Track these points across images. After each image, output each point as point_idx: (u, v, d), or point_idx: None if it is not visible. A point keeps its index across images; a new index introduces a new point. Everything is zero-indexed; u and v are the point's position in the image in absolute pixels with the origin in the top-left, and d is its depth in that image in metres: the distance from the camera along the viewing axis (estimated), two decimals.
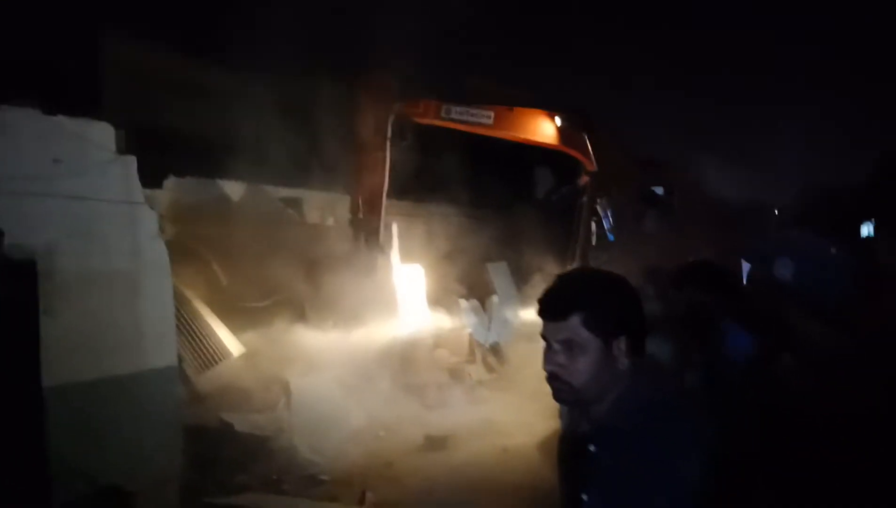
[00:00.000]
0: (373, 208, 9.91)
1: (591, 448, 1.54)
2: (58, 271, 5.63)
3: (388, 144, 9.94)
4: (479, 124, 9.82)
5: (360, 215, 10.05)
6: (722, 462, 1.47)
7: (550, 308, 1.55)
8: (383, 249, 9.93)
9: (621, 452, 1.48)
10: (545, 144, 10.02)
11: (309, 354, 8.56)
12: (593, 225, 10.65)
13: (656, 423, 1.46)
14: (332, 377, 8.46)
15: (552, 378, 1.53)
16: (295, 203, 11.78)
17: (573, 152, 10.16)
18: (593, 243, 10.67)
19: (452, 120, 9.89)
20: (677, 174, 10.66)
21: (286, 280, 9.23)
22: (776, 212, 10.50)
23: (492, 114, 9.72)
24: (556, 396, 1.55)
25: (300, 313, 9.28)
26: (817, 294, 1.95)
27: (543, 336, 1.56)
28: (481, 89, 10.96)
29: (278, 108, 10.84)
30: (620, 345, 1.51)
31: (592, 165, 10.14)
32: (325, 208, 12.00)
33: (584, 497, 1.55)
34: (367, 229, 9.94)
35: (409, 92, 10.19)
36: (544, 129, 9.81)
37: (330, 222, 11.62)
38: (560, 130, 9.76)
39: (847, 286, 1.93)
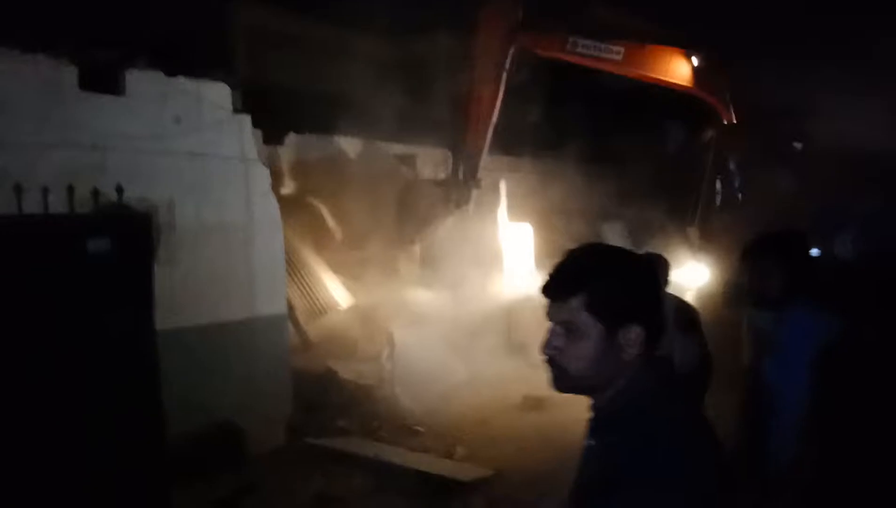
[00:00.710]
0: (478, 138, 9.49)
1: (586, 442, 1.45)
2: (178, 224, 6.12)
3: (505, 75, 9.37)
4: (607, 60, 9.06)
5: (465, 145, 9.66)
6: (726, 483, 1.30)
7: (552, 287, 1.40)
8: (479, 183, 9.53)
9: (603, 451, 1.38)
10: (678, 85, 9.08)
11: (414, 307, 8.79)
12: (718, 183, 9.88)
13: (645, 425, 1.30)
14: (436, 331, 8.64)
15: (549, 362, 1.41)
16: (409, 159, 11.97)
17: (708, 97, 9.22)
18: (717, 202, 9.91)
19: (578, 54, 9.14)
20: (814, 126, 9.54)
21: (392, 233, 9.47)
22: None
23: (622, 50, 8.92)
24: (552, 382, 1.43)
25: (401, 264, 9.50)
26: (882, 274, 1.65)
27: (548, 316, 1.43)
28: (609, 22, 10.17)
29: (395, 65, 10.94)
30: (628, 334, 1.34)
31: (729, 114, 9.28)
32: (440, 164, 12.08)
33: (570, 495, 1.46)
34: (467, 159, 9.58)
35: (533, 23, 9.51)
36: (679, 69, 8.91)
37: (442, 177, 11.69)
38: (696, 70, 8.84)
39: None
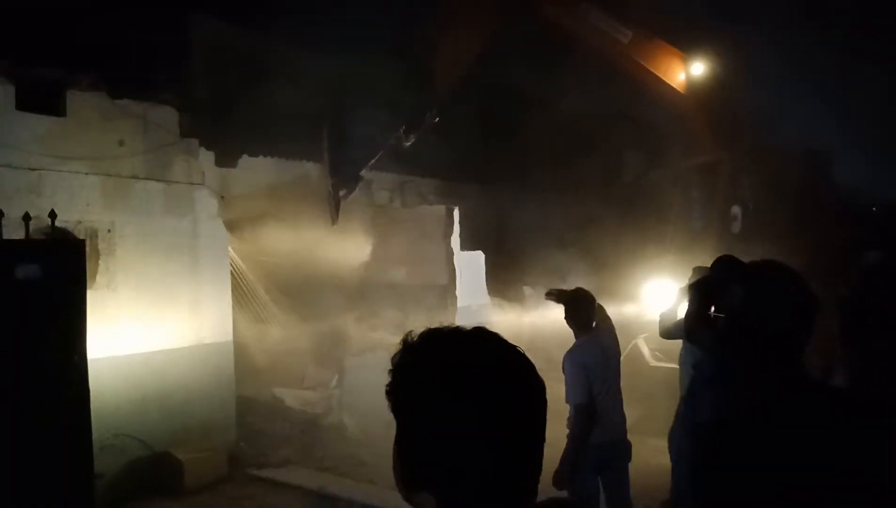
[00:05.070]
0: (449, 70, 7.63)
1: None
2: (119, 248, 5.97)
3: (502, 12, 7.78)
4: (613, 40, 8.28)
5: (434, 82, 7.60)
6: None
7: None
8: (436, 121, 7.68)
9: None
10: (672, 92, 8.36)
11: (364, 333, 8.69)
12: (736, 210, 8.57)
13: None
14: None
15: None
16: (365, 183, 11.90)
17: (697, 116, 8.40)
18: (736, 230, 8.53)
19: (587, 23, 8.24)
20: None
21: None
22: (874, 208, 9.24)
23: (630, 33, 8.25)
24: None
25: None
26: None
27: None
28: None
29: (357, 86, 10.85)
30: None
31: (717, 136, 8.33)
32: (395, 189, 12.08)
33: None
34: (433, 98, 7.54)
35: None
36: (677, 74, 8.29)
37: (396, 204, 11.68)
38: (690, 78, 8.09)
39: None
